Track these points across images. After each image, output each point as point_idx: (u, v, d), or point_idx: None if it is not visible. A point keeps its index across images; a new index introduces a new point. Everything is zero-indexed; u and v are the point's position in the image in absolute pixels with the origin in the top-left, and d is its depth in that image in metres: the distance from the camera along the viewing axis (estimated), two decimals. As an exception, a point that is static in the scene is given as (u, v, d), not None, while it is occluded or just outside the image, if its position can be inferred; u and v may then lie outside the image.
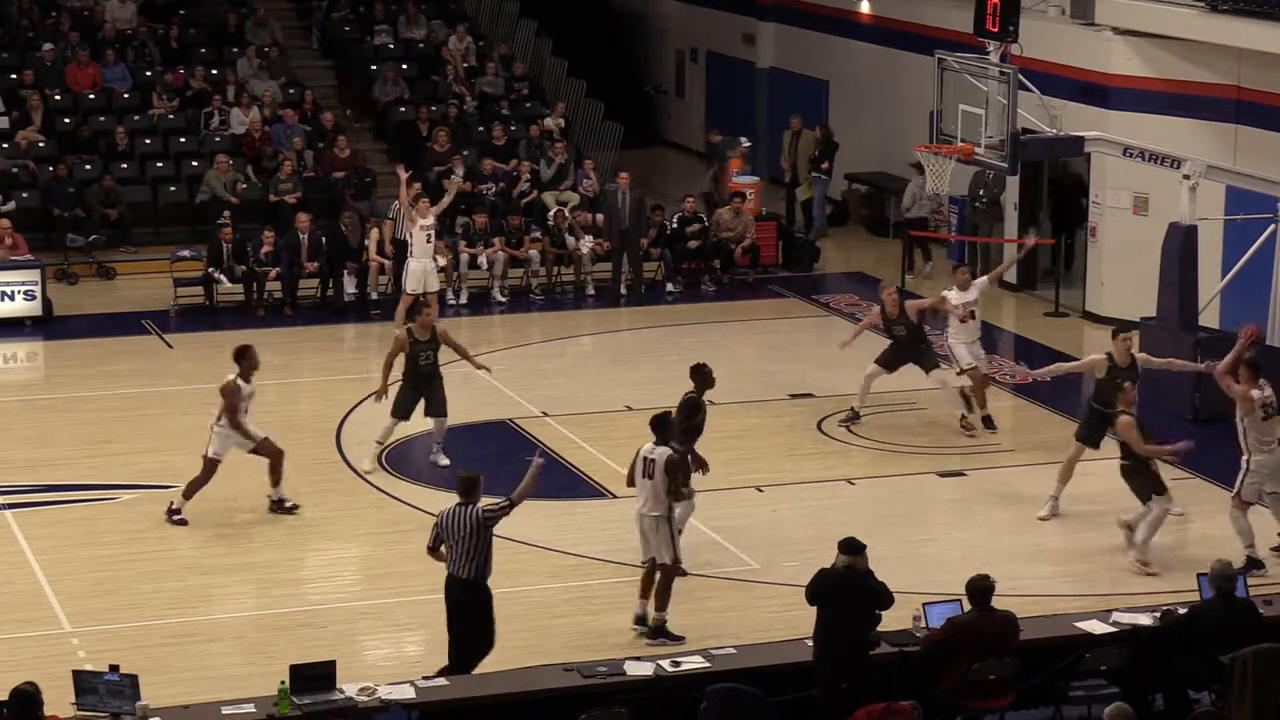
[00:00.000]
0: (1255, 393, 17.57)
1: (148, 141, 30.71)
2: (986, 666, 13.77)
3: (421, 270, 24.89)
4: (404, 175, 26.08)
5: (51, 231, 28.65)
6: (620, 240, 27.78)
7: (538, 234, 28.24)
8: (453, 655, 14.86)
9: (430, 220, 24.87)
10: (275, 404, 22.00)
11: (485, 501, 14.97)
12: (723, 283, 28.37)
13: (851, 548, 13.85)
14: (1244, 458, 17.76)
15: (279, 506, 19.13)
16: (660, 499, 15.85)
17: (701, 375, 17.90)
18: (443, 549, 14.95)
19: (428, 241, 24.88)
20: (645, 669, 13.94)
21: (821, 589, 13.80)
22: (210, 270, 26.41)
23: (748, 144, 30.79)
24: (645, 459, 15.94)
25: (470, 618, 14.85)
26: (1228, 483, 20.18)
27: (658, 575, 16.03)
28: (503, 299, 27.30)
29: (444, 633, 15.73)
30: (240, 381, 18.71)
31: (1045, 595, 16.85)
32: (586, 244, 27.72)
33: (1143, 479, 17.89)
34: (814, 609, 13.91)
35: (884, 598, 13.88)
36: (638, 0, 39.59)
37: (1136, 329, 21.40)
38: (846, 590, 13.74)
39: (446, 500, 19.52)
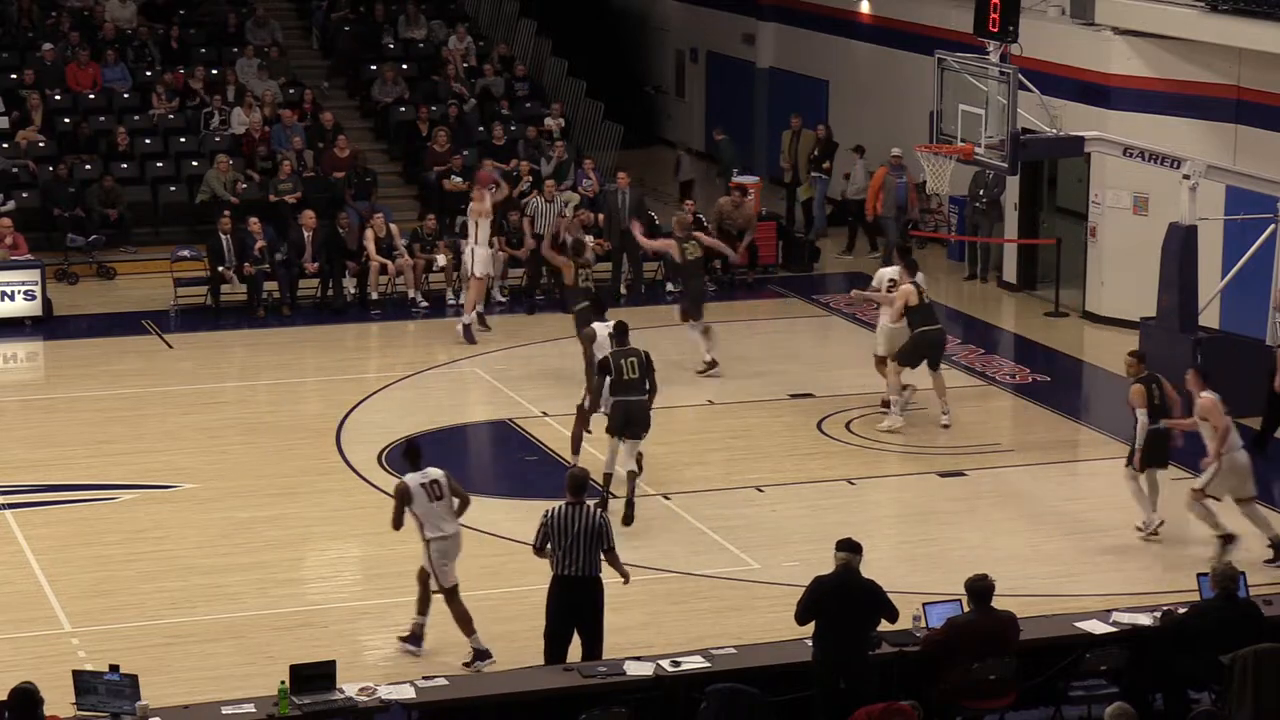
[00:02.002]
0: (1208, 393, 17.78)
1: (148, 141, 30.71)
2: (987, 666, 13.77)
3: (488, 255, 25.40)
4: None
5: (52, 231, 28.65)
6: (620, 240, 27.78)
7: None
8: (557, 655, 14.78)
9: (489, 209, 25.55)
10: (275, 404, 22.03)
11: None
12: (722, 282, 28.39)
13: (851, 547, 13.85)
14: (1210, 460, 17.82)
15: None
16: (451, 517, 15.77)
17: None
18: (548, 548, 14.88)
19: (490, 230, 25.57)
20: (645, 669, 13.94)
21: (818, 598, 13.76)
22: (220, 269, 26.39)
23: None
24: (431, 482, 15.69)
25: (595, 611, 14.85)
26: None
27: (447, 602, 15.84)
28: (503, 299, 27.30)
29: (444, 633, 15.78)
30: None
31: (1045, 595, 16.85)
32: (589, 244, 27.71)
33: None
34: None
35: (888, 609, 13.87)
36: (637, 0, 39.59)
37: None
38: (845, 593, 13.72)
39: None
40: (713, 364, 23.67)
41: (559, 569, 14.82)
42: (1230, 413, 18.22)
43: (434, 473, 15.71)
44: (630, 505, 18.76)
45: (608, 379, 18.77)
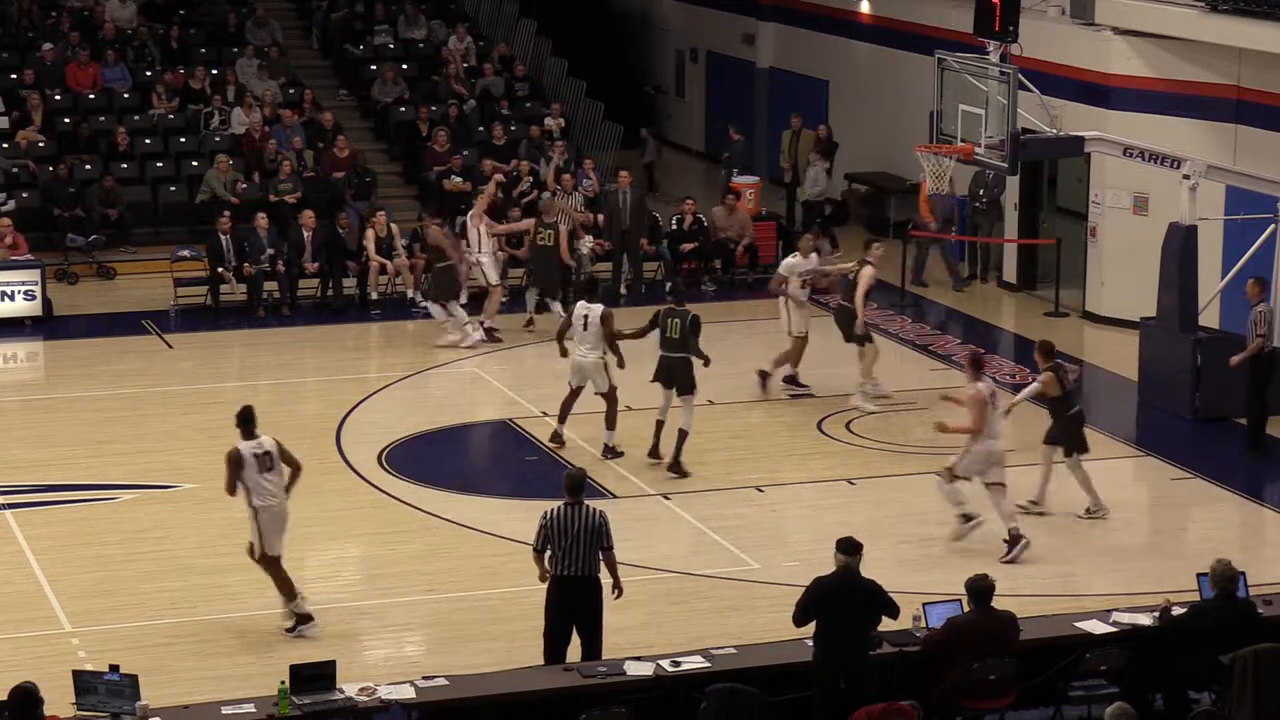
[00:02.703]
0: (981, 385, 18.16)
1: (148, 141, 30.71)
2: (987, 666, 13.77)
3: (494, 261, 25.75)
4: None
5: (52, 231, 28.65)
6: (620, 240, 27.77)
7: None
8: (556, 655, 14.77)
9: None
10: (275, 404, 22.01)
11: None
12: (723, 283, 28.40)
13: (851, 547, 13.84)
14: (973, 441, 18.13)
15: None
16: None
17: None
18: (548, 551, 14.81)
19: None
20: (645, 669, 13.94)
21: (818, 599, 13.76)
22: (220, 269, 26.41)
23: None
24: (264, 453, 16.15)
25: (594, 611, 14.82)
26: (1228, 483, 20.27)
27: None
28: (503, 299, 27.26)
29: (443, 634, 15.79)
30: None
31: (1045, 595, 16.84)
32: (586, 244, 27.71)
33: None
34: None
35: (890, 606, 13.87)
36: (637, 0, 39.59)
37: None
38: (845, 593, 13.72)
39: (445, 500, 19.63)
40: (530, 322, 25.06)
41: (558, 569, 14.79)
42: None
43: (267, 443, 16.10)
44: (676, 459, 20.15)
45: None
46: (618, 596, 14.95)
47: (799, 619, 13.88)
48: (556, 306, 25.13)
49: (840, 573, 13.78)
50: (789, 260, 23.23)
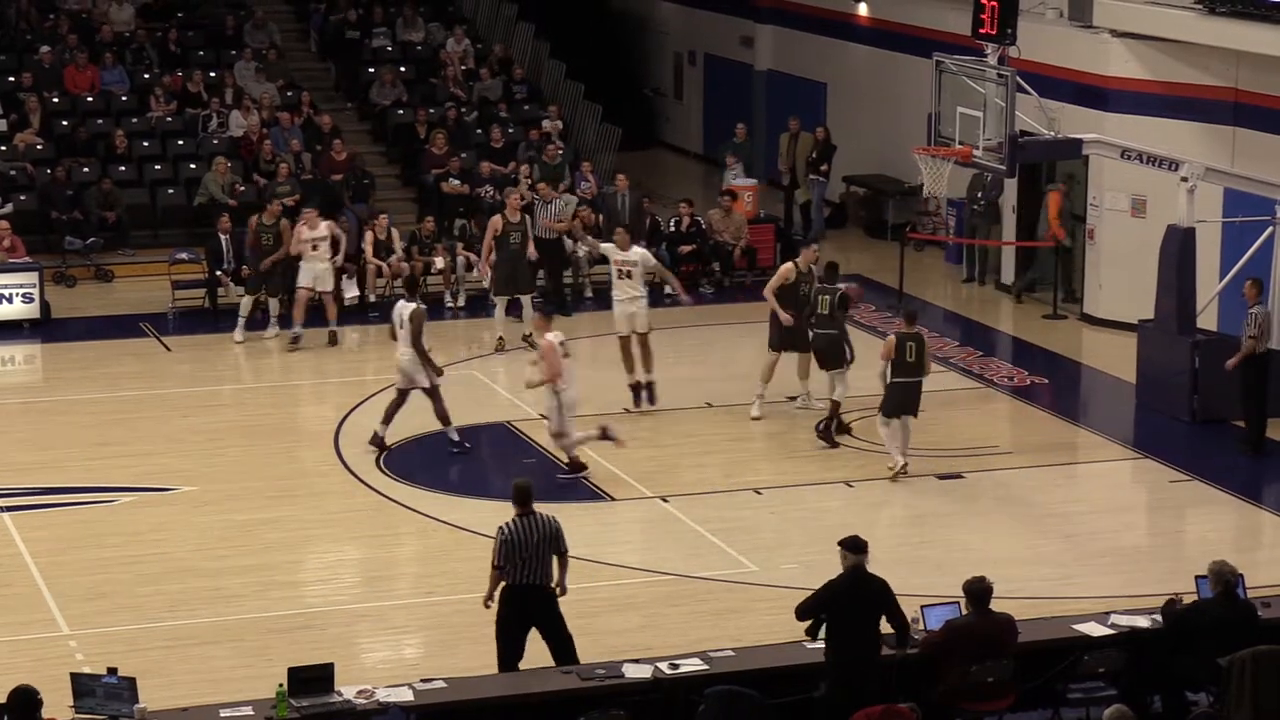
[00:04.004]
0: (551, 336, 19.80)
1: (146, 144, 30.71)
2: (985, 669, 13.77)
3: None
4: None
5: (49, 234, 28.64)
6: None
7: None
8: (510, 665, 14.67)
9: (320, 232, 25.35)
10: (273, 407, 22.02)
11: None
12: (721, 285, 28.40)
13: (859, 545, 13.82)
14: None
15: None
16: None
17: None
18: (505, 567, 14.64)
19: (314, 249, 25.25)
20: (644, 671, 13.94)
21: (831, 600, 13.72)
22: (218, 272, 26.41)
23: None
24: None
25: (555, 618, 14.67)
26: (1226, 484, 20.28)
27: None
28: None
29: (441, 635, 15.78)
30: None
31: (1044, 597, 16.84)
32: (583, 248, 27.71)
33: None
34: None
35: (898, 612, 13.88)
36: (636, 3, 39.60)
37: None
38: (857, 591, 13.71)
39: (443, 503, 19.62)
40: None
41: (516, 579, 14.54)
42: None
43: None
44: (829, 427, 21.29)
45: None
46: (561, 595, 14.75)
47: (804, 613, 13.83)
48: (525, 301, 25.05)
49: (851, 572, 13.76)
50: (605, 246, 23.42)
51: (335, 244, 25.58)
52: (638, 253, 22.90)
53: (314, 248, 25.10)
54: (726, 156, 31.31)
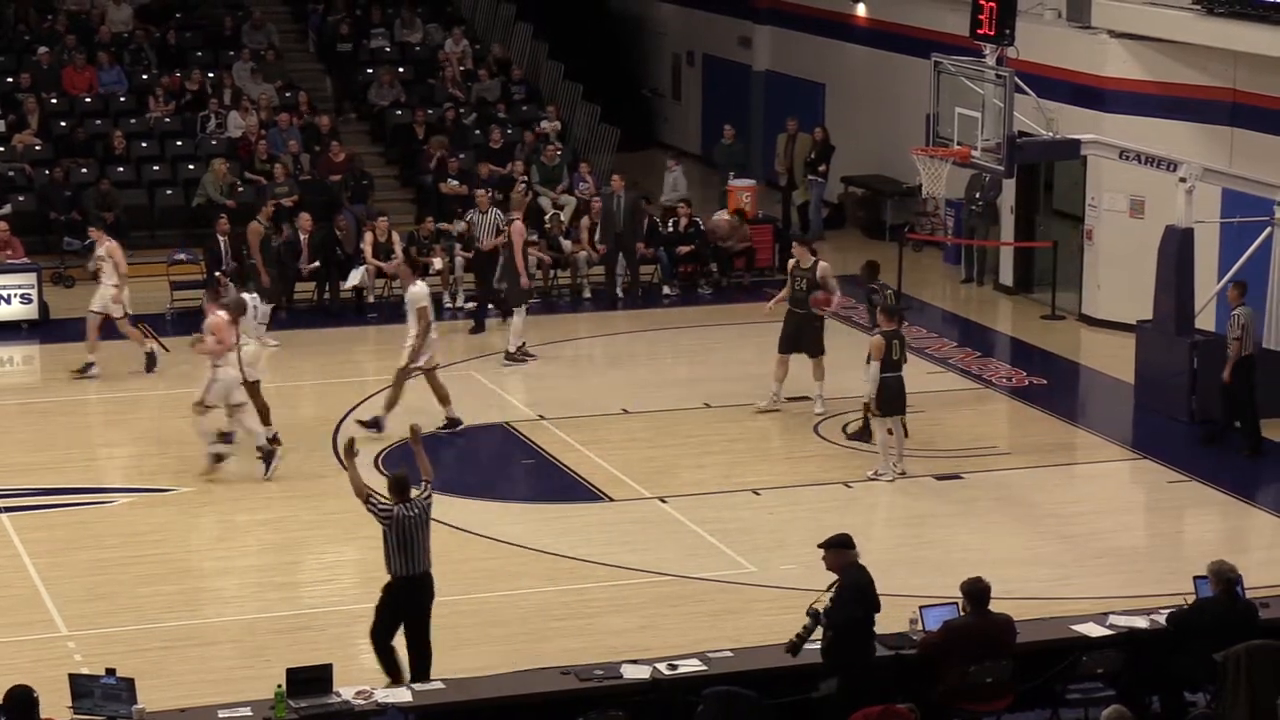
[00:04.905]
0: (220, 313, 20.07)
1: (144, 145, 30.71)
2: (984, 669, 13.77)
3: None
4: None
5: (48, 235, 28.65)
6: (615, 243, 27.76)
7: (534, 237, 28.18)
8: (422, 660, 14.74)
9: None
10: (272, 407, 21.95)
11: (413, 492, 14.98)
12: (719, 285, 28.40)
13: (850, 541, 13.81)
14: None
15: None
16: None
17: None
18: (379, 509, 14.79)
19: None
20: (642, 672, 13.93)
21: (867, 598, 13.77)
22: (217, 273, 26.41)
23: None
24: None
25: (426, 610, 14.82)
26: (1225, 485, 20.29)
27: None
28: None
29: (440, 637, 15.72)
30: None
31: (1042, 598, 16.84)
32: (584, 250, 27.74)
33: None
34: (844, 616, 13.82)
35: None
36: (634, 3, 39.60)
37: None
38: (868, 587, 13.73)
39: (442, 503, 19.57)
40: (510, 353, 24.44)
41: (399, 569, 14.69)
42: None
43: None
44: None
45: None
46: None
47: (864, 618, 13.78)
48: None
49: (855, 571, 13.71)
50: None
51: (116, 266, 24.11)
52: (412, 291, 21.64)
53: (98, 269, 24.26)
54: (669, 160, 31.22)
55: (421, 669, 14.70)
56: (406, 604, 14.74)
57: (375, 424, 21.27)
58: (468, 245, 26.65)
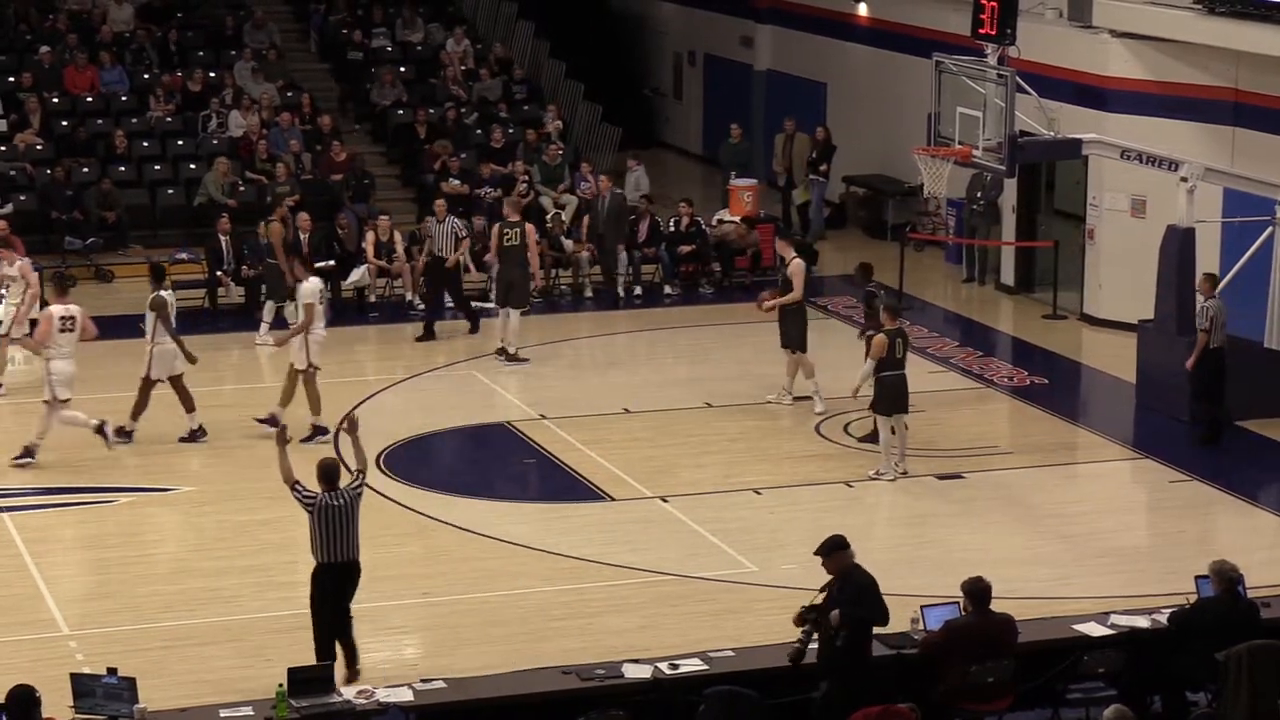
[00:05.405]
0: (55, 307, 20.60)
1: (145, 144, 30.71)
2: (985, 669, 13.77)
3: None
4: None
5: (49, 234, 28.64)
6: (598, 243, 27.72)
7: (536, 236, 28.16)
8: (329, 644, 14.87)
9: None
10: (272, 406, 21.95)
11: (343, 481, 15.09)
12: (721, 285, 28.40)
13: (845, 542, 13.80)
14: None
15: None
16: None
17: None
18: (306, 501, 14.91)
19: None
20: (643, 672, 13.94)
21: (873, 597, 13.77)
22: (218, 272, 26.42)
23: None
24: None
25: (348, 599, 15.00)
26: (1226, 485, 20.28)
27: None
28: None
29: (438, 636, 15.78)
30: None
31: (1043, 597, 16.83)
32: (584, 249, 27.75)
33: None
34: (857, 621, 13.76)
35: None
36: (635, 2, 39.60)
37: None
38: (872, 588, 13.74)
39: (443, 503, 19.62)
40: (510, 354, 24.23)
41: (327, 557, 14.85)
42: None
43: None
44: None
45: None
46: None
47: (883, 619, 13.78)
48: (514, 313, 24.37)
49: (855, 570, 13.70)
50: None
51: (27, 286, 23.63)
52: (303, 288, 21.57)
53: (5, 287, 23.93)
54: (629, 160, 31.16)
55: (350, 660, 14.92)
56: (332, 591, 14.89)
57: (272, 420, 20.83)
58: (425, 249, 26.23)
